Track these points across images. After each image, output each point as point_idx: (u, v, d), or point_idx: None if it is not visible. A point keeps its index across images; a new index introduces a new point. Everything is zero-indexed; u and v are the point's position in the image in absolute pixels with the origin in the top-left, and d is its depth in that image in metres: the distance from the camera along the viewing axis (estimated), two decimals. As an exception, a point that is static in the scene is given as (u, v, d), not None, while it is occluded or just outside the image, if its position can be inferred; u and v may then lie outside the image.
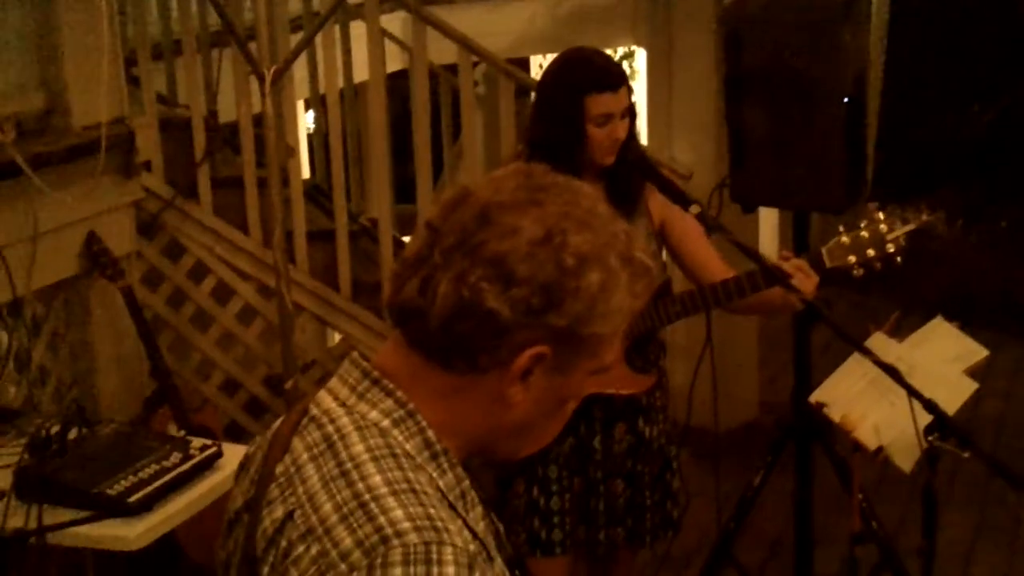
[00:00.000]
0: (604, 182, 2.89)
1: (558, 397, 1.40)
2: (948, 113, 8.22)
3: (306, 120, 7.14)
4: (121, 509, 2.68)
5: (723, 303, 2.88)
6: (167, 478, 2.80)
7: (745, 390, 5.25)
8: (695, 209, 2.57)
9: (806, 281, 2.75)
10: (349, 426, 1.34)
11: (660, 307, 2.92)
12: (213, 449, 2.95)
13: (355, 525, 1.24)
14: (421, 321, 1.32)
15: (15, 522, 2.67)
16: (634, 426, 3.08)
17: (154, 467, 2.83)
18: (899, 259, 2.77)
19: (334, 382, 1.41)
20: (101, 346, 4.07)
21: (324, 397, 1.40)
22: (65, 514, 2.70)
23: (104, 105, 3.66)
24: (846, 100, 3.05)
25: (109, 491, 2.71)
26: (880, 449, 2.70)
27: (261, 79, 3.73)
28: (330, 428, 1.34)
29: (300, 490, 1.30)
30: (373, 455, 1.30)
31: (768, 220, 6.38)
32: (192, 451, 2.93)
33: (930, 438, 2.31)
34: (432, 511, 1.26)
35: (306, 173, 5.93)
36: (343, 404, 1.37)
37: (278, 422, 1.47)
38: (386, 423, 1.34)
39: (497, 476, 3.08)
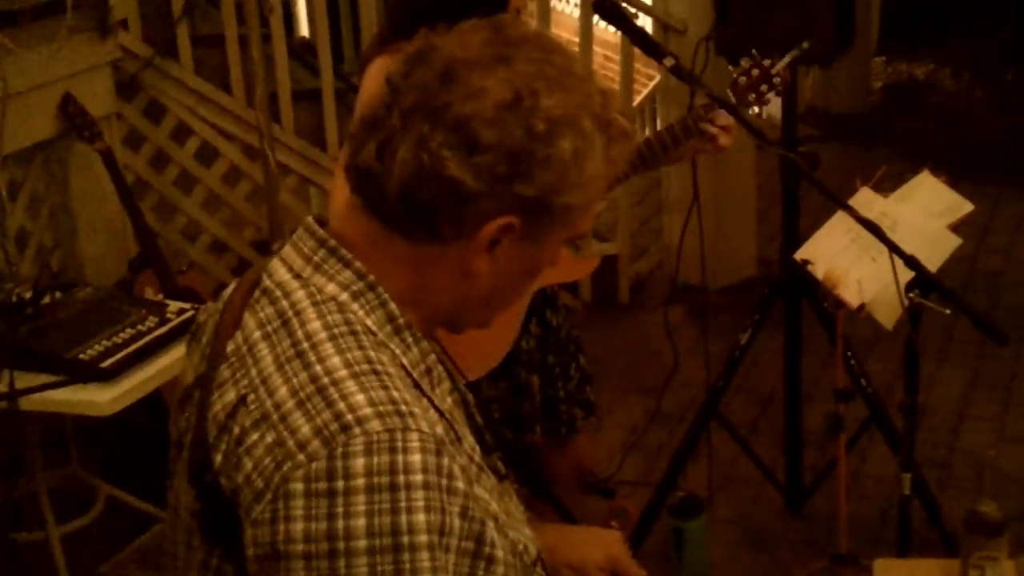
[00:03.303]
0: None
1: (527, 268, 1.33)
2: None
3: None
4: (94, 374, 2.65)
5: (655, 162, 2.81)
6: (142, 342, 2.77)
7: (742, 247, 5.20)
8: (669, 61, 2.47)
9: (731, 127, 2.72)
10: (304, 300, 1.26)
11: None
12: (190, 312, 2.90)
13: (313, 411, 1.17)
14: (379, 187, 1.24)
15: (-14, 387, 2.65)
16: (543, 318, 2.92)
17: (129, 331, 2.80)
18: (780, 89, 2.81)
19: (287, 250, 1.32)
20: (82, 209, 4.03)
21: (278, 267, 1.31)
22: (38, 380, 2.67)
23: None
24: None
25: (82, 356, 2.68)
26: (863, 306, 2.65)
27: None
28: (284, 303, 1.27)
29: (253, 372, 1.23)
30: (331, 333, 1.23)
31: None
32: (168, 315, 2.89)
33: (911, 294, 2.25)
34: (396, 394, 1.19)
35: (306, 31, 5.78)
36: (298, 276, 1.29)
37: (229, 289, 1.40)
38: (344, 296, 1.27)
39: None
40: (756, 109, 2.79)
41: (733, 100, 2.74)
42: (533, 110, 1.21)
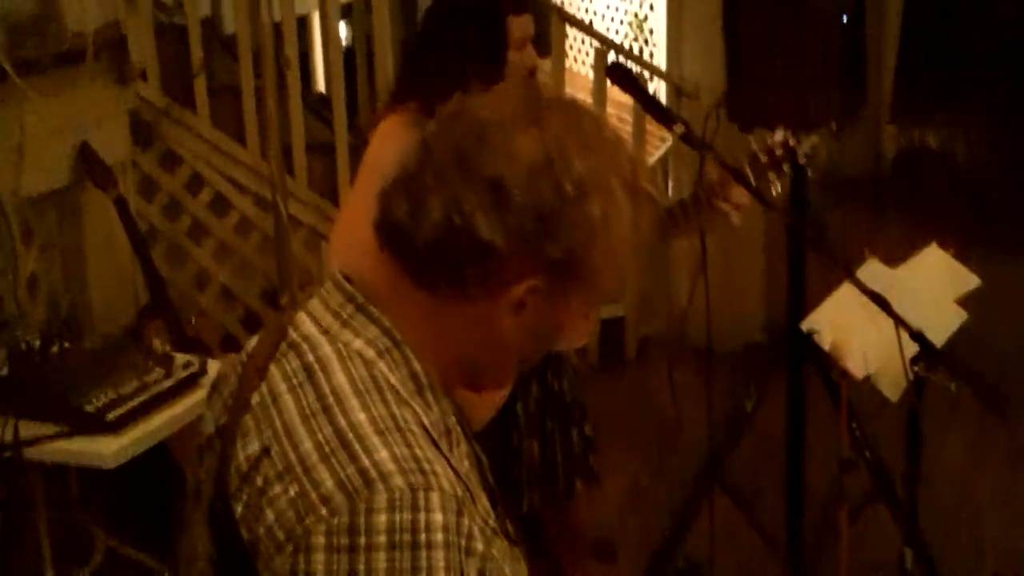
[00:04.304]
0: None
1: (551, 328, 1.33)
2: (972, 24, 8.04)
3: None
4: (99, 426, 2.67)
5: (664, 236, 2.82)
6: (147, 395, 2.79)
7: (750, 310, 5.20)
8: (679, 129, 2.49)
9: (746, 204, 2.71)
10: (331, 355, 1.26)
11: None
12: (196, 367, 2.92)
13: (337, 466, 1.17)
14: (409, 244, 1.26)
15: (-8, 435, 2.66)
16: (543, 380, 2.90)
17: (135, 383, 2.82)
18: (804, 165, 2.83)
19: (315, 304, 1.33)
20: (94, 256, 4.05)
21: (304, 321, 1.32)
22: (44, 429, 2.69)
23: (92, 9, 3.59)
24: (845, 18, 2.95)
25: (87, 407, 2.69)
26: (867, 378, 2.65)
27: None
28: (311, 357, 1.27)
29: (277, 423, 1.23)
30: (357, 388, 1.23)
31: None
32: (175, 368, 2.91)
33: (916, 367, 2.26)
34: (419, 452, 1.19)
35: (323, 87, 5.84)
36: (325, 331, 1.29)
37: (253, 342, 1.40)
38: (371, 353, 1.27)
39: None
40: (778, 188, 2.76)
41: (751, 175, 2.73)
42: (564, 172, 1.23)
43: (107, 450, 2.64)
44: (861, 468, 3.15)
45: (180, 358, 2.96)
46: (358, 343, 1.28)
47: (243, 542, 1.22)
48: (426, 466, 1.18)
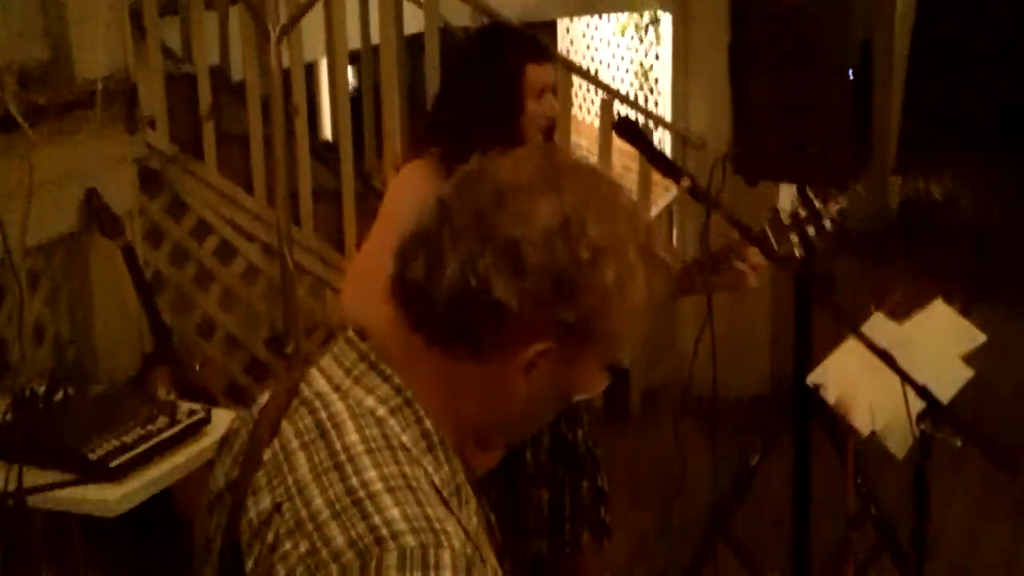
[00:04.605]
0: None
1: (562, 390, 1.35)
2: (976, 78, 8.07)
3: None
4: (102, 474, 2.66)
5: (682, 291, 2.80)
6: (152, 443, 2.77)
7: (756, 362, 5.19)
8: (685, 182, 2.50)
9: (763, 266, 2.69)
10: (343, 413, 1.28)
11: None
12: (201, 415, 2.91)
13: (348, 523, 1.18)
14: (424, 304, 1.27)
15: (-6, 482, 2.65)
16: (556, 431, 2.91)
17: (139, 431, 2.80)
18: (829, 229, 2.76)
19: (327, 361, 1.35)
20: (100, 303, 4.04)
21: (316, 378, 1.34)
22: (47, 476, 2.68)
23: (102, 57, 3.61)
24: (851, 72, 2.96)
25: (91, 455, 2.68)
26: (873, 433, 2.65)
27: (267, 36, 3.69)
28: (323, 414, 1.28)
29: (289, 480, 1.24)
30: (368, 447, 1.24)
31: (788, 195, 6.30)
32: (179, 416, 2.90)
33: (922, 425, 2.25)
34: (430, 511, 1.20)
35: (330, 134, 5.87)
36: (337, 388, 1.31)
37: (264, 398, 1.41)
38: (382, 411, 1.28)
39: None
40: (801, 250, 2.73)
41: (771, 235, 2.71)
42: (580, 237, 1.24)
43: (111, 497, 2.62)
44: (867, 523, 3.14)
45: (184, 406, 2.95)
46: (370, 401, 1.29)
47: None
48: (437, 525, 1.19)
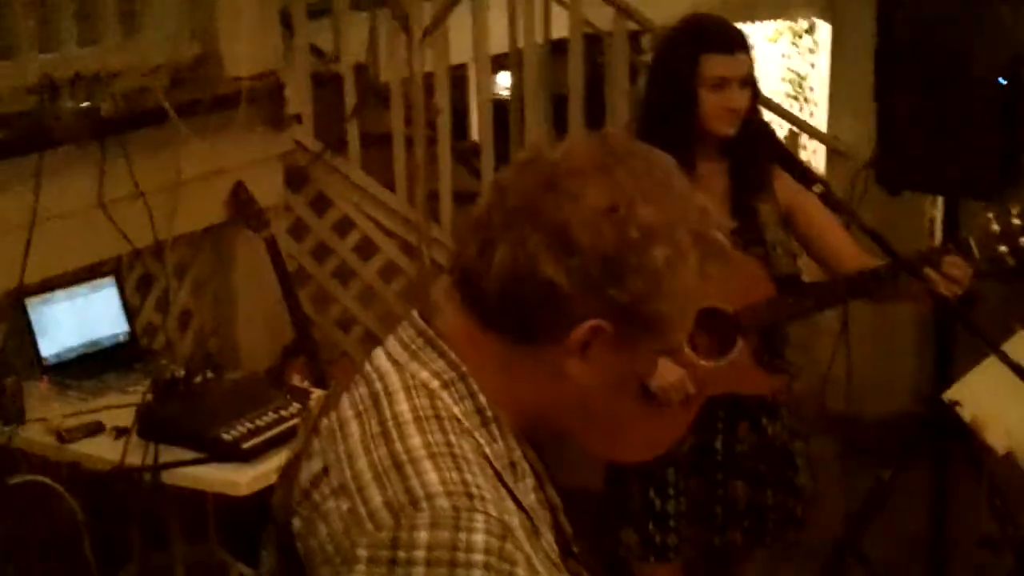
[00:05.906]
0: (728, 161, 2.73)
1: (619, 378, 1.35)
2: None
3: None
4: (235, 454, 2.73)
5: (857, 295, 2.73)
6: (283, 427, 2.83)
7: (898, 377, 5.05)
8: (818, 188, 2.45)
9: (958, 277, 2.54)
10: (397, 384, 1.31)
11: (789, 301, 2.76)
12: (332, 403, 2.96)
13: (387, 485, 1.21)
14: (478, 285, 1.29)
15: (134, 459, 2.75)
16: (757, 424, 2.89)
17: (272, 416, 2.87)
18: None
19: (390, 340, 1.38)
20: (243, 295, 4.16)
21: (379, 354, 1.37)
22: (182, 455, 2.76)
23: (250, 56, 3.71)
24: (1002, 81, 2.87)
25: (225, 436, 2.76)
26: (1009, 453, 2.56)
27: (409, 37, 3.75)
28: (378, 385, 1.32)
29: (340, 447, 1.28)
30: (416, 415, 1.27)
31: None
32: (312, 401, 2.95)
33: (1062, 445, 2.17)
34: (469, 477, 1.22)
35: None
36: (395, 362, 1.34)
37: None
38: (436, 384, 1.30)
39: (608, 473, 2.95)
40: (1011, 262, 2.55)
41: (975, 246, 2.59)
42: (628, 218, 1.24)
43: (242, 479, 2.70)
44: (1004, 546, 3.03)
45: (318, 392, 3.01)
46: (424, 374, 1.31)
47: (299, 556, 1.28)
48: (474, 491, 1.21)
